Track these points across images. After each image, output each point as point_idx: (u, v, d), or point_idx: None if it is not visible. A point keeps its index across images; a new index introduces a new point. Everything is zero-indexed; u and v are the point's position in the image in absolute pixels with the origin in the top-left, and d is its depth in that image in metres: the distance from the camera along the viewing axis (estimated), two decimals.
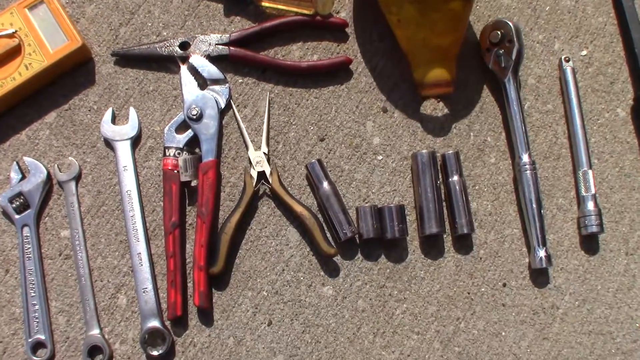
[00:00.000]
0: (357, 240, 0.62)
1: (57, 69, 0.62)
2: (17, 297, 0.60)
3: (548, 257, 0.61)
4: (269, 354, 0.60)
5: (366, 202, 0.63)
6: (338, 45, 0.66)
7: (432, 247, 0.63)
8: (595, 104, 0.68)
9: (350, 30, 0.66)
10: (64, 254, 0.61)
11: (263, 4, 0.65)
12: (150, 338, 0.59)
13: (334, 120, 0.64)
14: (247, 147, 0.62)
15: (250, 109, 0.64)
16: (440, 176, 0.63)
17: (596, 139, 0.67)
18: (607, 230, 0.65)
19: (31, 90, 0.63)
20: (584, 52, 0.68)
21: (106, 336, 0.60)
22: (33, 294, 0.60)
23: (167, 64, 0.64)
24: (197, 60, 0.63)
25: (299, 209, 0.60)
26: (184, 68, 0.63)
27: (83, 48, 0.62)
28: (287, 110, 0.64)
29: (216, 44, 0.63)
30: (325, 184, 0.61)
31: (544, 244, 0.62)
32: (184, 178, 0.60)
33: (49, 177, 0.62)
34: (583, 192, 0.64)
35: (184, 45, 0.64)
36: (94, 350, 0.59)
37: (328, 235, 0.61)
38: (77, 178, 0.62)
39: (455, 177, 0.62)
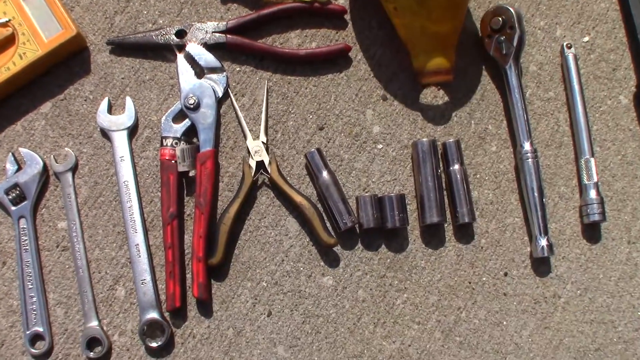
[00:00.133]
0: (357, 230, 0.61)
1: (51, 58, 0.61)
2: (15, 290, 0.60)
3: (550, 246, 0.61)
4: (268, 345, 0.59)
5: (366, 192, 0.62)
6: (337, 33, 0.65)
7: (432, 236, 0.62)
8: (597, 91, 0.67)
9: (349, 17, 0.65)
10: (61, 245, 0.61)
11: None
12: (149, 329, 0.59)
13: (333, 108, 0.64)
14: (245, 136, 0.62)
15: (248, 97, 0.63)
16: (441, 165, 0.62)
17: (598, 126, 0.66)
18: (609, 218, 0.64)
19: (26, 80, 0.62)
20: (586, 39, 0.68)
21: (105, 328, 0.59)
22: (30, 286, 0.59)
23: (163, 52, 0.63)
24: (194, 48, 0.62)
25: (298, 198, 0.59)
26: (180, 56, 0.62)
27: (78, 37, 0.61)
28: (285, 99, 0.63)
29: (213, 32, 0.63)
30: (325, 174, 0.60)
31: (546, 233, 0.61)
32: (181, 168, 0.59)
33: (45, 168, 0.61)
34: (585, 181, 0.63)
35: (181, 34, 0.63)
36: (92, 342, 0.59)
37: (328, 225, 0.61)
38: (74, 169, 0.61)
39: (456, 166, 0.62)
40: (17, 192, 0.60)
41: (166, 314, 0.59)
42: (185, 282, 0.60)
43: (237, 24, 0.63)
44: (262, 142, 0.61)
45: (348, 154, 0.63)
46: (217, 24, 0.63)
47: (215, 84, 0.62)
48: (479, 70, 0.66)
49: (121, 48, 0.64)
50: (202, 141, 0.60)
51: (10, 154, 0.61)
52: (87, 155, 0.62)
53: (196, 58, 0.62)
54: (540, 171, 0.62)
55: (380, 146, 0.63)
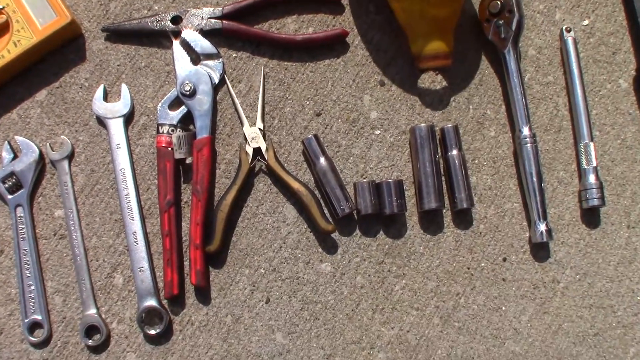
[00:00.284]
0: (355, 217, 0.61)
1: (46, 45, 0.60)
2: (13, 278, 0.60)
3: (549, 231, 0.61)
4: (267, 332, 0.59)
5: (364, 178, 0.62)
6: (334, 18, 0.64)
7: (431, 222, 0.62)
8: (596, 75, 0.66)
9: (346, 2, 0.64)
10: (58, 233, 0.60)
11: None
12: (148, 317, 0.59)
13: (330, 94, 0.63)
14: (242, 123, 0.61)
15: (244, 84, 0.63)
16: (439, 150, 0.62)
17: (598, 110, 0.66)
18: (609, 203, 0.64)
19: (21, 68, 0.61)
20: (586, 22, 0.67)
21: (103, 316, 0.59)
22: (28, 275, 0.59)
23: (159, 39, 0.63)
24: (190, 34, 0.62)
25: (295, 185, 0.59)
26: (176, 43, 0.62)
27: (72, 24, 0.60)
28: (282, 85, 0.63)
29: (209, 18, 0.62)
30: (322, 160, 0.60)
31: (545, 218, 0.61)
32: (178, 155, 0.59)
33: (41, 156, 0.61)
34: (584, 165, 0.63)
35: (176, 20, 0.62)
36: (91, 329, 0.59)
37: (325, 211, 0.60)
38: (70, 157, 0.61)
39: (455, 151, 0.61)
40: (14, 180, 0.60)
41: (164, 302, 0.59)
42: (183, 270, 0.60)
43: (233, 9, 0.62)
44: (259, 129, 0.61)
45: (345, 140, 0.62)
46: (213, 10, 0.62)
47: (211, 70, 0.62)
48: (477, 55, 0.65)
49: (116, 35, 0.63)
50: (199, 128, 0.60)
51: (6, 142, 0.61)
52: (83, 143, 0.62)
53: (192, 44, 0.62)
54: (539, 156, 0.62)
55: (378, 132, 0.63)
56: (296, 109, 0.63)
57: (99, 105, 0.61)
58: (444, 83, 0.64)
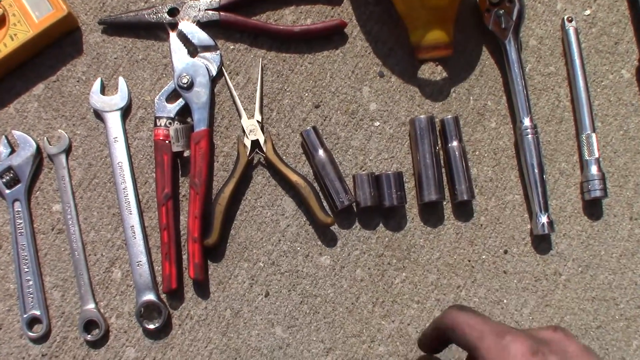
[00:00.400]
0: (355, 209, 0.61)
1: (43, 39, 0.60)
2: (11, 273, 0.59)
3: (550, 223, 0.60)
4: (266, 325, 0.59)
5: (363, 170, 0.61)
6: (332, 9, 0.64)
7: (431, 214, 0.61)
8: (599, 65, 0.65)
9: None
10: (56, 228, 0.60)
11: None
12: (146, 311, 0.58)
13: (329, 86, 0.62)
14: (240, 115, 0.61)
15: (242, 76, 0.62)
16: (439, 142, 0.61)
17: (600, 101, 0.65)
18: (611, 194, 0.63)
19: (17, 62, 0.61)
20: (588, 12, 0.66)
21: (102, 310, 0.59)
22: (27, 270, 0.59)
23: (156, 31, 0.62)
24: (187, 26, 0.61)
25: (294, 177, 0.58)
26: (173, 35, 0.61)
27: (69, 17, 0.60)
28: (280, 77, 0.62)
29: (206, 10, 0.61)
30: (321, 152, 0.59)
31: (546, 210, 0.60)
32: (175, 148, 0.59)
33: (38, 150, 0.60)
34: (586, 156, 0.62)
35: (173, 12, 0.61)
36: (89, 324, 0.58)
37: (325, 204, 0.60)
38: (68, 151, 0.61)
39: (455, 143, 0.60)
40: (11, 175, 0.59)
41: (163, 296, 0.59)
42: (182, 264, 0.59)
43: (230, 0, 0.61)
44: (257, 121, 0.60)
45: (344, 132, 0.62)
46: (210, 1, 0.61)
47: (208, 62, 0.61)
48: (477, 45, 0.65)
49: (113, 28, 0.63)
50: (196, 121, 0.59)
51: (4, 136, 0.60)
52: (80, 137, 0.61)
53: (189, 36, 0.61)
54: (540, 147, 0.61)
55: (377, 123, 0.62)
56: (295, 101, 0.62)
57: (96, 99, 0.61)
58: (444, 74, 0.64)
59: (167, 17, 0.61)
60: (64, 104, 0.61)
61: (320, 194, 0.60)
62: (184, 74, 0.60)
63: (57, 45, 0.62)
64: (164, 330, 0.59)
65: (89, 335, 0.58)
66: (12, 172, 0.59)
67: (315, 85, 0.62)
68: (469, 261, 0.61)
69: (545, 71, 0.65)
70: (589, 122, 0.63)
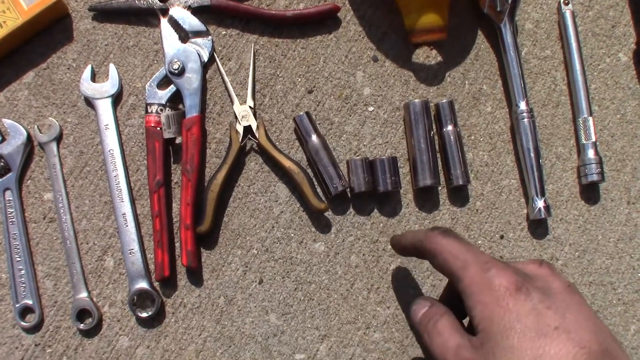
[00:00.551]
0: (349, 195, 0.60)
1: (32, 26, 0.59)
2: (3, 263, 0.59)
3: (547, 208, 0.59)
4: (261, 313, 0.59)
5: (357, 155, 0.61)
6: None
7: (426, 200, 0.61)
8: (595, 48, 0.65)
9: None
10: (48, 217, 0.60)
11: None
12: (139, 300, 0.58)
13: (322, 71, 0.62)
14: (232, 101, 0.60)
15: (234, 61, 0.61)
16: (434, 126, 0.61)
17: (597, 85, 0.64)
18: (608, 178, 0.62)
19: (7, 50, 0.60)
20: None
21: (94, 299, 0.58)
22: (19, 259, 0.58)
23: (146, 17, 0.62)
24: (178, 12, 0.60)
25: (287, 163, 0.58)
26: (164, 21, 0.61)
27: (59, 3, 0.59)
28: (273, 62, 0.62)
29: None
30: (314, 137, 0.58)
31: (543, 194, 0.60)
32: (167, 135, 0.58)
33: (29, 138, 0.60)
34: (583, 140, 0.62)
35: None
36: (82, 313, 0.58)
37: (318, 190, 0.59)
38: (58, 139, 0.60)
39: (450, 127, 0.60)
40: (2, 164, 0.59)
41: (156, 284, 0.58)
42: (175, 251, 0.59)
43: None
44: (250, 107, 0.60)
45: (338, 117, 0.61)
46: None
47: (200, 48, 0.60)
48: (473, 29, 0.64)
49: (104, 14, 0.62)
50: (188, 107, 0.59)
51: None
52: (71, 125, 0.60)
53: (180, 22, 0.60)
54: (536, 131, 0.60)
55: (371, 108, 0.62)
56: (287, 87, 0.61)
57: (87, 86, 0.60)
58: (439, 58, 0.63)
59: (158, 2, 0.61)
60: (55, 92, 0.61)
61: (313, 180, 0.59)
62: (175, 60, 0.59)
63: (47, 33, 0.61)
64: (157, 319, 0.58)
65: (82, 324, 0.58)
66: (2, 160, 0.59)
67: (308, 71, 0.62)
68: None
69: (542, 55, 0.64)
70: (586, 105, 0.62)
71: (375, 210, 0.60)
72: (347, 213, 0.60)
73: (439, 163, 0.60)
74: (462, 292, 0.43)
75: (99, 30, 0.62)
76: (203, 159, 0.60)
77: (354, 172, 0.58)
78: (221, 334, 0.58)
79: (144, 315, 0.57)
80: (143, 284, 0.57)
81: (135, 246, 0.58)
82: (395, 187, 0.58)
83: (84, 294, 0.58)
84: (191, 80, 0.59)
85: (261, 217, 0.60)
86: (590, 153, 0.61)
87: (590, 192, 0.62)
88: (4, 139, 0.59)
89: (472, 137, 0.62)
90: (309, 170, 0.59)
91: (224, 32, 0.62)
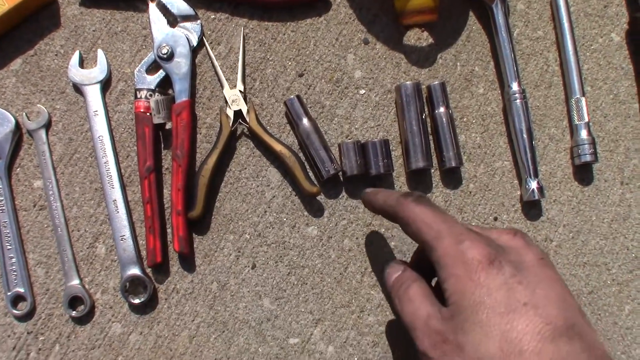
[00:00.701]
0: (341, 178, 0.60)
1: (19, 12, 0.59)
2: None
3: (540, 189, 0.59)
4: (254, 298, 0.58)
5: (349, 139, 0.60)
6: None
7: (419, 182, 0.60)
8: (588, 29, 0.64)
9: None
10: (38, 204, 0.59)
11: None
12: (132, 286, 0.57)
13: (312, 54, 0.61)
14: (222, 85, 0.60)
15: (224, 46, 0.61)
16: (426, 109, 0.60)
17: (589, 65, 0.64)
18: (602, 159, 0.62)
19: None
20: None
21: (86, 286, 0.58)
22: (9, 247, 0.58)
23: (134, 2, 0.61)
24: None
25: (278, 147, 0.57)
26: (152, 5, 0.60)
27: None
28: (263, 46, 0.61)
29: None
30: (305, 121, 0.58)
31: (536, 176, 0.59)
32: (156, 120, 0.57)
33: (17, 126, 0.59)
34: (576, 121, 0.61)
35: None
36: (74, 300, 0.58)
37: (310, 174, 0.59)
38: (47, 126, 0.60)
39: (442, 109, 0.59)
40: None
41: (148, 270, 0.58)
42: (166, 237, 0.58)
43: None
44: (240, 91, 0.59)
45: (329, 101, 0.61)
46: None
47: (189, 32, 0.60)
48: (464, 10, 0.63)
49: (91, 0, 0.61)
50: (178, 92, 0.58)
51: None
52: (60, 112, 0.60)
53: (168, 6, 0.60)
54: (529, 112, 0.60)
55: (362, 91, 0.61)
56: (278, 70, 0.61)
57: (75, 72, 0.60)
58: (430, 40, 0.62)
59: None
60: (43, 79, 0.60)
61: (305, 163, 0.59)
62: (164, 45, 0.59)
63: (34, 19, 0.61)
64: (149, 305, 0.58)
65: (74, 312, 0.57)
66: None
67: (298, 54, 0.61)
68: None
69: (534, 35, 0.63)
70: (579, 86, 0.62)
71: None
72: (340, 197, 0.60)
73: (432, 145, 0.60)
74: (435, 262, 0.43)
75: (87, 16, 0.61)
76: (193, 144, 0.59)
77: (346, 155, 0.58)
78: (214, 319, 0.58)
79: (137, 301, 0.57)
80: (135, 270, 0.57)
81: (126, 232, 0.58)
82: (387, 170, 0.58)
83: (75, 281, 0.58)
84: (180, 64, 0.59)
85: (253, 202, 0.59)
86: (583, 134, 0.61)
87: (583, 173, 0.62)
88: None
89: (465, 119, 0.62)
90: (301, 154, 0.59)
91: (212, 16, 0.61)
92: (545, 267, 0.42)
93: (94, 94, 0.59)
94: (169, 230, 0.58)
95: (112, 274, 0.58)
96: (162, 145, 0.59)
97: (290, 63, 0.61)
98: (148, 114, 0.58)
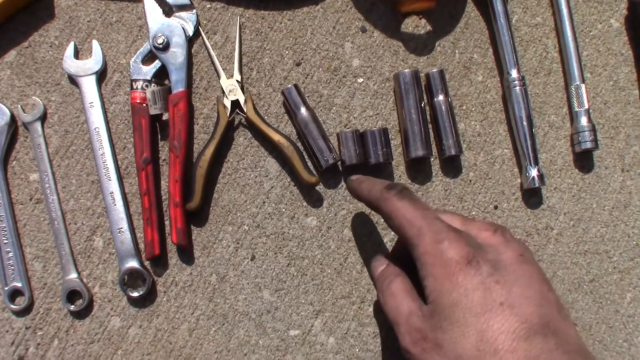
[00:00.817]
0: (340, 168, 0.59)
1: (13, 3, 0.58)
2: None
3: (541, 177, 0.59)
4: (253, 289, 0.58)
5: (347, 128, 0.60)
6: None
7: (419, 171, 0.60)
8: (587, 15, 0.64)
9: None
10: (34, 198, 0.58)
11: None
12: (130, 279, 0.57)
13: (310, 42, 0.61)
14: (218, 75, 0.59)
15: (220, 35, 0.60)
16: (424, 97, 0.60)
17: (589, 51, 0.63)
18: (602, 146, 0.62)
19: None
20: None
21: (84, 280, 0.58)
22: (6, 241, 0.57)
23: None
24: None
25: (276, 137, 0.57)
26: None
27: None
28: (259, 35, 0.60)
29: None
30: (303, 110, 0.57)
31: (536, 163, 0.59)
32: (153, 111, 0.57)
33: (13, 119, 0.59)
34: (576, 108, 0.61)
35: None
36: (73, 295, 0.57)
37: (309, 163, 0.58)
38: (43, 118, 0.59)
39: (441, 97, 0.59)
40: None
41: (147, 263, 0.58)
42: (164, 229, 0.58)
43: None
44: (237, 81, 0.58)
45: (327, 90, 0.60)
46: None
47: (184, 22, 0.59)
48: None
49: None
50: (174, 82, 0.58)
51: None
52: (55, 104, 0.59)
53: None
54: (529, 99, 0.59)
55: (360, 80, 0.61)
56: (275, 59, 0.60)
57: (70, 63, 0.59)
58: (428, 27, 0.62)
59: None
60: (37, 70, 0.59)
61: (304, 153, 0.58)
62: (160, 35, 0.58)
63: (28, 10, 0.60)
64: (148, 298, 0.57)
65: (73, 306, 0.57)
66: None
67: (295, 43, 0.60)
68: None
69: (532, 22, 0.63)
70: (578, 73, 0.61)
71: None
72: (339, 187, 0.59)
73: (431, 134, 0.60)
74: (415, 259, 0.43)
75: (81, 6, 0.60)
76: (190, 134, 0.58)
77: (345, 145, 0.57)
78: (214, 311, 0.58)
79: (135, 294, 0.57)
80: (133, 263, 0.57)
81: (124, 225, 0.57)
82: (386, 159, 0.57)
83: (73, 275, 0.57)
84: (176, 54, 0.58)
85: (251, 193, 0.59)
86: (584, 120, 0.60)
87: (584, 160, 0.62)
88: None
89: (464, 107, 0.61)
90: (299, 144, 0.58)
91: (208, 5, 0.60)
92: (524, 264, 0.43)
93: (89, 86, 0.59)
94: (167, 222, 0.58)
95: (110, 267, 0.58)
96: (159, 137, 0.59)
97: (287, 52, 0.60)
98: (144, 104, 0.57)
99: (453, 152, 0.58)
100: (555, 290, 0.56)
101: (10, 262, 0.57)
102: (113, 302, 0.58)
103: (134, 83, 0.58)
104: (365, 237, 0.59)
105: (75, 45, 0.59)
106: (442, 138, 0.59)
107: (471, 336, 0.39)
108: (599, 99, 0.63)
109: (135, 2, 0.60)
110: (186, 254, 0.58)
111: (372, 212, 0.59)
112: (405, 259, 0.47)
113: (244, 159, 0.59)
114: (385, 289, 0.46)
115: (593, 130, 0.60)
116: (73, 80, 0.59)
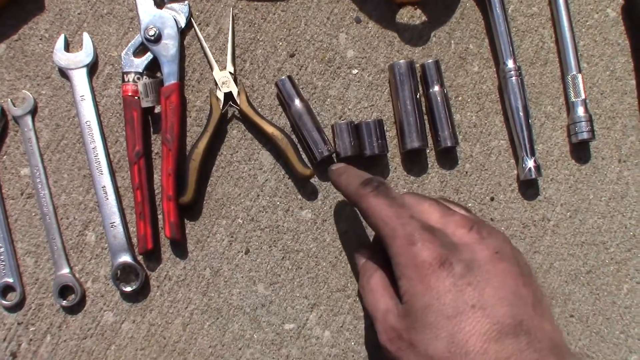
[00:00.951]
0: (335, 160, 0.59)
1: None
2: None
3: (537, 168, 0.58)
4: (248, 283, 0.57)
5: (342, 119, 0.59)
6: None
7: (414, 163, 0.59)
8: (583, 4, 0.63)
9: None
10: (25, 192, 0.58)
11: None
12: (123, 274, 0.56)
13: (304, 34, 0.60)
14: (211, 67, 0.58)
15: (212, 26, 0.59)
16: (420, 88, 0.59)
17: (585, 41, 0.63)
18: (599, 137, 0.61)
19: None
20: None
21: (77, 275, 0.57)
22: None
23: None
24: None
25: (270, 129, 0.56)
26: None
27: None
28: (252, 26, 0.60)
29: None
30: (297, 102, 0.57)
31: (533, 154, 0.58)
32: (145, 104, 0.56)
33: (3, 112, 0.58)
34: (572, 98, 0.60)
35: None
36: (65, 290, 0.56)
37: (303, 156, 0.58)
38: (33, 112, 0.58)
39: (436, 88, 0.58)
40: None
41: (139, 257, 0.57)
42: (157, 223, 0.57)
43: None
44: (230, 73, 0.58)
45: (322, 81, 0.59)
46: None
47: (176, 13, 0.58)
48: None
49: None
50: (166, 74, 0.57)
51: None
52: (46, 97, 0.58)
53: None
54: (525, 90, 0.59)
55: (355, 71, 0.60)
56: (268, 51, 0.59)
57: (61, 56, 0.58)
58: (424, 18, 0.61)
59: None
60: (27, 64, 0.59)
61: (298, 145, 0.57)
62: (151, 27, 0.57)
63: (17, 3, 0.59)
64: (142, 293, 0.57)
65: (65, 301, 0.56)
66: None
67: (289, 34, 0.60)
68: None
69: (529, 12, 0.62)
70: (575, 63, 0.61)
71: None
72: None
73: (426, 125, 0.59)
74: (390, 257, 0.43)
75: None
76: (183, 127, 0.58)
77: (340, 137, 0.56)
78: (208, 306, 0.57)
79: (128, 289, 0.56)
80: (126, 258, 0.56)
81: (116, 219, 0.56)
82: (382, 151, 0.57)
83: (65, 270, 0.57)
84: (168, 46, 0.57)
85: (245, 186, 0.58)
86: (580, 111, 0.60)
87: (580, 151, 0.61)
88: None
89: (460, 98, 0.60)
90: (293, 136, 0.58)
91: None
92: (499, 262, 0.42)
93: (80, 79, 0.58)
94: (160, 216, 0.57)
95: (102, 262, 0.57)
96: (152, 130, 0.58)
97: (281, 43, 0.60)
98: (136, 97, 0.56)
99: (449, 144, 0.58)
100: (551, 282, 0.55)
101: (2, 257, 0.57)
102: (106, 297, 0.57)
103: (125, 76, 0.57)
104: (351, 230, 0.58)
105: (65, 37, 0.58)
106: (437, 129, 0.58)
107: (443, 338, 0.39)
108: (596, 89, 0.62)
109: None
110: (179, 248, 0.57)
111: None
112: (380, 248, 0.47)
113: (237, 151, 0.58)
114: (365, 284, 0.47)
115: (590, 120, 0.59)
116: (64, 73, 0.58)
